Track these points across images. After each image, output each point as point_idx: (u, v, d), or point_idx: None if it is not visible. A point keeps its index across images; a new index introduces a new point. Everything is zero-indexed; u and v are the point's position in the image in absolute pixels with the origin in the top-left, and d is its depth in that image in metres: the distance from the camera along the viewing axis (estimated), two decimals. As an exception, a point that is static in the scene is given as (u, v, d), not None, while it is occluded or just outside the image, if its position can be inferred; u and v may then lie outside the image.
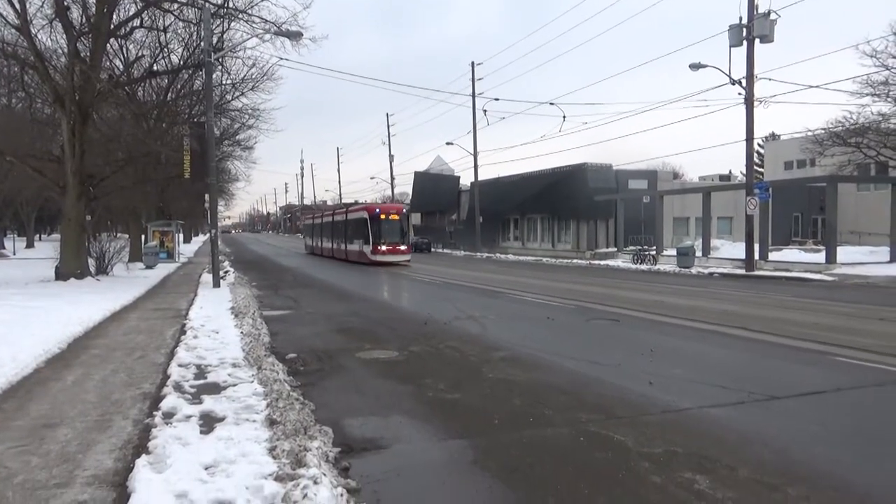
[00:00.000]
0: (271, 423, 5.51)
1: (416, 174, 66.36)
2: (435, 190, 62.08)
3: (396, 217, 35.02)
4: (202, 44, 20.40)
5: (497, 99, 42.23)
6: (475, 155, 48.17)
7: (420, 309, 15.13)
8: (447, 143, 49.38)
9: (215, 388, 6.89)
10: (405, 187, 76.62)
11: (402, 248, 34.72)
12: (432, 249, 54.09)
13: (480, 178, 49.86)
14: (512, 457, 5.17)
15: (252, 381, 7.08)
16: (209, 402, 6.22)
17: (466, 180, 56.11)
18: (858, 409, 6.67)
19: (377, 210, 35.36)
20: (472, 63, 47.16)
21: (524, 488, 4.55)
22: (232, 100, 30.64)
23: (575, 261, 37.49)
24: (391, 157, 68.02)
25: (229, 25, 23.39)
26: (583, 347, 10.22)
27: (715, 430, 5.80)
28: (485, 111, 38.79)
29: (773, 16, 23.73)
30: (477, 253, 46.99)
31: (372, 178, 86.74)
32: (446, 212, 62.43)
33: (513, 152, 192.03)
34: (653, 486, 4.51)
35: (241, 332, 10.49)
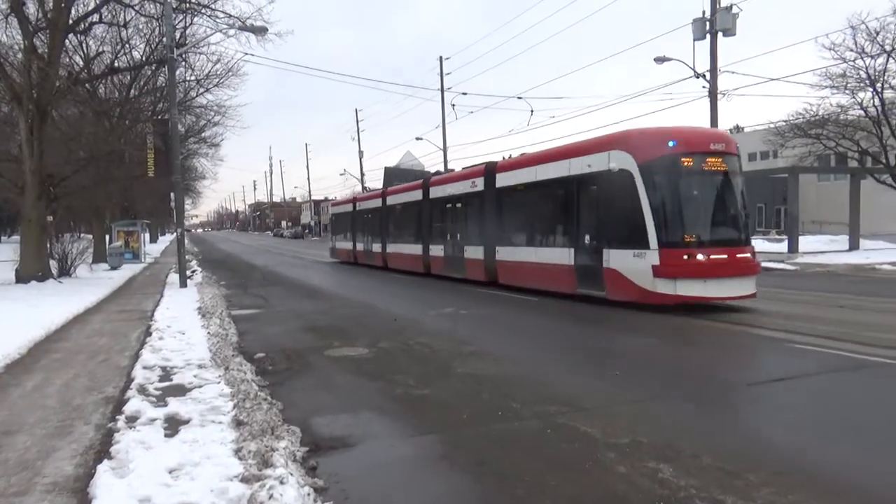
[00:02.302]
0: (238, 424, 5.45)
1: (386, 169, 65.59)
2: (405, 185, 61.85)
3: (720, 164, 12.97)
4: (164, 39, 20.03)
5: (465, 93, 42.21)
6: (444, 150, 48.18)
7: (389, 305, 15.09)
8: (417, 139, 49.20)
9: (181, 390, 6.79)
10: (375, 182, 76.21)
11: (744, 251, 12.88)
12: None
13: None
14: (481, 450, 5.20)
15: (219, 382, 6.99)
16: (174, 405, 6.13)
17: (437, 175, 55.90)
18: (819, 395, 6.84)
19: (668, 139, 12.70)
20: (441, 58, 47.08)
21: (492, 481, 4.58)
22: (197, 96, 30.15)
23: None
24: (361, 152, 67.76)
25: (192, 20, 23.05)
26: (552, 341, 10.25)
27: (680, 424, 5.90)
28: (453, 105, 38.87)
29: (735, 9, 24.12)
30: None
31: (341, 173, 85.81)
32: (417, 207, 62.16)
33: (483, 147, 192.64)
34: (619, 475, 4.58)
35: (209, 333, 10.35)
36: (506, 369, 8.12)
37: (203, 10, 21.27)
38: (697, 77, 25.23)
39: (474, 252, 19.22)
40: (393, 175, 65.26)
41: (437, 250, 22.06)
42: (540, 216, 16.46)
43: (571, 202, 14.53)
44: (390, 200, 27.21)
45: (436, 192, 22.44)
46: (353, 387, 7.47)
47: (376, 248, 28.65)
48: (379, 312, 13.97)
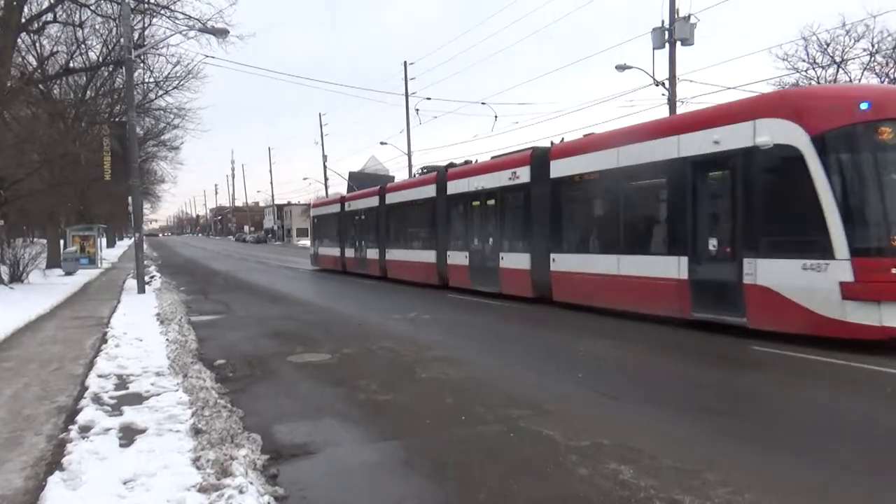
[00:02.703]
0: (196, 432, 5.35)
1: (351, 174, 65.41)
2: (370, 190, 61.64)
3: None
4: (122, 40, 19.61)
5: (429, 98, 42.32)
6: (409, 154, 48.18)
7: (354, 310, 14.99)
8: (381, 143, 49.11)
9: (137, 399, 6.63)
10: (339, 187, 75.80)
11: None
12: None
13: (415, 177, 49.77)
14: (443, 455, 5.19)
15: (177, 390, 6.85)
16: (130, 414, 5.98)
17: (402, 179, 55.91)
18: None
19: (858, 99, 9.20)
20: (405, 62, 47.09)
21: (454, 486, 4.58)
22: (156, 98, 29.52)
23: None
24: (324, 156, 67.04)
25: (151, 21, 22.62)
26: (516, 344, 10.32)
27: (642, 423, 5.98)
28: (417, 110, 38.80)
29: (692, 20, 24.63)
30: (413, 253, 46.90)
31: (305, 178, 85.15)
32: (382, 212, 61.97)
33: (447, 152, 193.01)
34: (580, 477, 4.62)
35: (167, 340, 10.14)
36: (470, 373, 8.13)
37: (162, 11, 20.91)
38: (657, 85, 25.68)
39: (515, 261, 15.73)
40: (357, 180, 65.04)
41: (458, 258, 18.27)
42: (625, 214, 12.63)
43: (683, 194, 11.04)
44: (391, 199, 23.43)
45: (457, 186, 18.57)
46: (316, 393, 7.39)
47: (372, 254, 24.78)
48: (344, 318, 13.86)
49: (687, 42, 25.06)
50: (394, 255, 22.61)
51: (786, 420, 6.05)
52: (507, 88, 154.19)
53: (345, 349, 9.85)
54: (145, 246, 20.96)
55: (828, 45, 25.81)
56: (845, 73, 25.44)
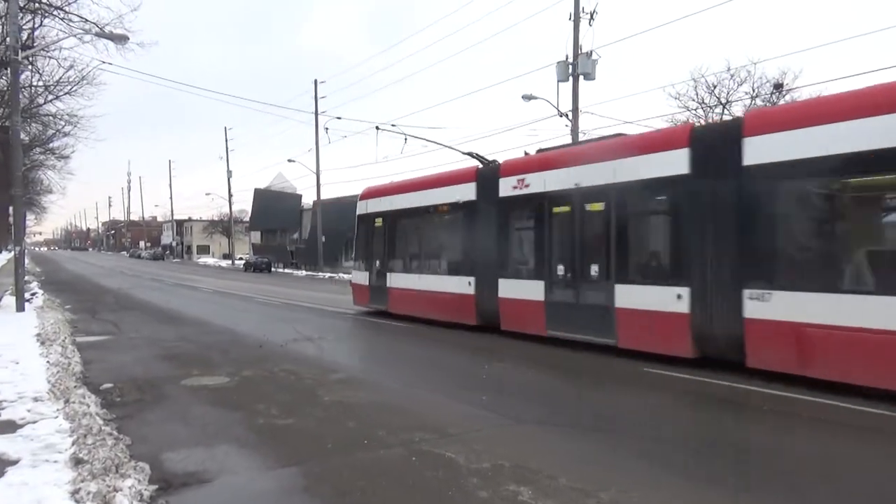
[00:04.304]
0: (77, 462, 4.99)
1: (257, 191, 64.16)
2: (276, 208, 60.36)
3: None
4: (7, 40, 18.32)
5: (339, 118, 41.96)
6: (318, 173, 47.51)
7: (256, 331, 14.52)
8: (289, 161, 48.07)
9: (10, 427, 6.11)
10: (244, 204, 73.73)
11: None
12: (272, 269, 52.33)
13: (324, 196, 49.18)
14: (344, 480, 5.10)
15: (57, 417, 6.37)
16: (1, 443, 5.50)
17: (309, 198, 55.14)
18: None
19: None
20: (315, 81, 46.70)
21: (355, 513, 4.50)
22: (45, 103, 27.58)
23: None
24: (229, 172, 65.23)
25: (42, 22, 21.26)
26: (420, 367, 10.35)
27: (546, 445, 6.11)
28: (326, 129, 38.32)
29: (595, 56, 25.93)
30: (319, 273, 46.15)
31: (207, 193, 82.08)
32: (288, 230, 60.84)
33: (358, 172, 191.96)
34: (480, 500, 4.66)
35: (48, 362, 9.42)
36: (374, 397, 8.05)
37: (55, 12, 19.73)
38: (561, 116, 26.75)
39: (653, 299, 10.17)
40: (264, 197, 63.32)
41: (523, 289, 12.75)
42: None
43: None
44: (388, 205, 17.38)
45: (527, 183, 12.76)
46: (212, 418, 7.08)
47: (360, 278, 18.56)
48: (244, 339, 13.40)
49: (589, 77, 26.27)
50: (400, 281, 16.77)
51: (677, 439, 6.37)
52: (417, 111, 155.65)
53: (244, 372, 9.52)
54: (27, 260, 19.49)
55: (715, 87, 27.85)
56: (730, 113, 27.44)
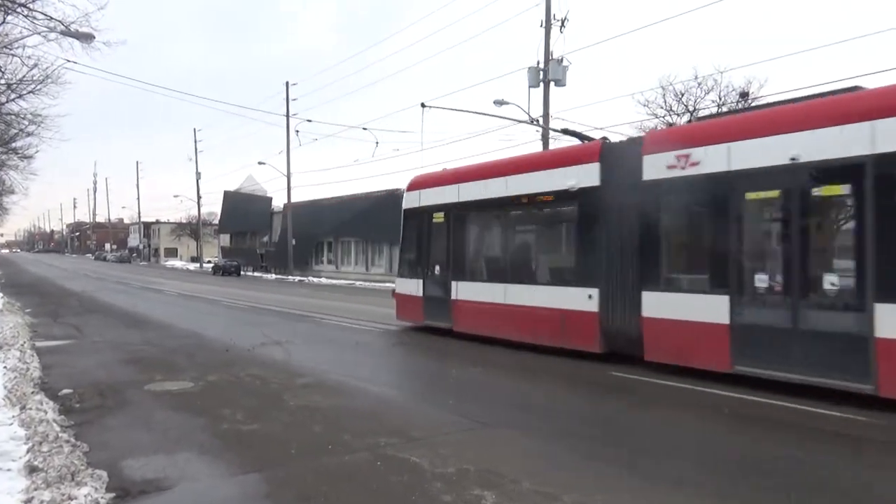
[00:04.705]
0: (31, 470, 4.87)
1: (226, 193, 63.35)
2: (246, 210, 59.73)
3: None
4: (-32, 37, 17.85)
5: (310, 120, 41.64)
6: (288, 176, 47.16)
7: (223, 335, 14.33)
8: (259, 163, 47.68)
9: (-38, 434, 5.93)
10: (214, 207, 72.75)
11: None
12: (242, 272, 51.72)
13: (295, 199, 48.84)
14: (308, 485, 5.05)
15: (12, 424, 6.21)
16: (-48, 451, 5.34)
17: (280, 201, 54.65)
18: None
19: None
20: (287, 83, 46.41)
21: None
22: (7, 102, 26.92)
23: (388, 284, 37.95)
24: (198, 173, 64.50)
25: (5, 19, 20.72)
26: (388, 371, 10.33)
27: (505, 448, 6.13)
28: (297, 132, 38.09)
29: (565, 62, 26.19)
30: (289, 276, 45.77)
31: (176, 195, 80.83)
32: (258, 233, 60.24)
33: (329, 175, 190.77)
34: (444, 505, 4.66)
35: (4, 367, 9.17)
36: (340, 401, 8.00)
37: (19, 10, 19.23)
38: (532, 122, 26.94)
39: None
40: (234, 199, 62.51)
41: (688, 306, 9.36)
42: None
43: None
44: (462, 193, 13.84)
45: (687, 161, 9.48)
46: (174, 424, 6.97)
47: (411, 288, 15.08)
48: (211, 343, 13.20)
49: (560, 83, 26.53)
50: (472, 292, 13.33)
51: (644, 444, 6.44)
52: (388, 114, 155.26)
53: (209, 376, 9.38)
54: (-15, 263, 18.92)
55: (682, 94, 28.34)
56: (698, 121, 27.95)
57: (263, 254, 56.92)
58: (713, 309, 8.86)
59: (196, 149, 63.57)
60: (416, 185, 15.51)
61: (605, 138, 12.26)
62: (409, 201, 15.54)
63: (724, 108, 27.64)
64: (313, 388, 8.72)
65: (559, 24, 26.33)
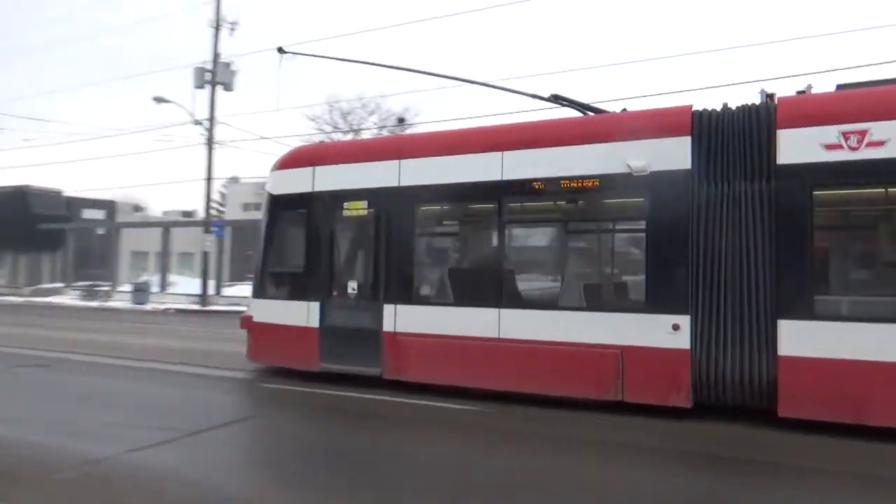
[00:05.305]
0: None
1: None
2: None
3: None
4: None
5: None
6: None
7: None
8: None
9: None
10: None
11: None
12: None
13: None
14: None
15: None
16: None
17: None
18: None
19: None
20: None
21: None
22: None
23: (10, 298, 32.00)
24: None
25: None
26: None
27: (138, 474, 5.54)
28: None
29: (233, 67, 25.46)
30: None
31: None
32: None
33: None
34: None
35: None
36: None
37: None
38: (196, 123, 25.52)
39: None
40: None
41: None
42: None
43: None
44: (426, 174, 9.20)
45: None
46: None
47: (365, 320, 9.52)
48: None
49: (228, 87, 25.74)
50: (429, 320, 9.01)
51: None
52: (20, 97, 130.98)
53: None
54: None
55: (348, 113, 29.90)
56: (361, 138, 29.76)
57: None
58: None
59: None
60: (304, 159, 10.48)
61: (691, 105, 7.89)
62: (288, 183, 10.32)
63: (385, 131, 29.93)
64: None
65: (230, 27, 25.57)
